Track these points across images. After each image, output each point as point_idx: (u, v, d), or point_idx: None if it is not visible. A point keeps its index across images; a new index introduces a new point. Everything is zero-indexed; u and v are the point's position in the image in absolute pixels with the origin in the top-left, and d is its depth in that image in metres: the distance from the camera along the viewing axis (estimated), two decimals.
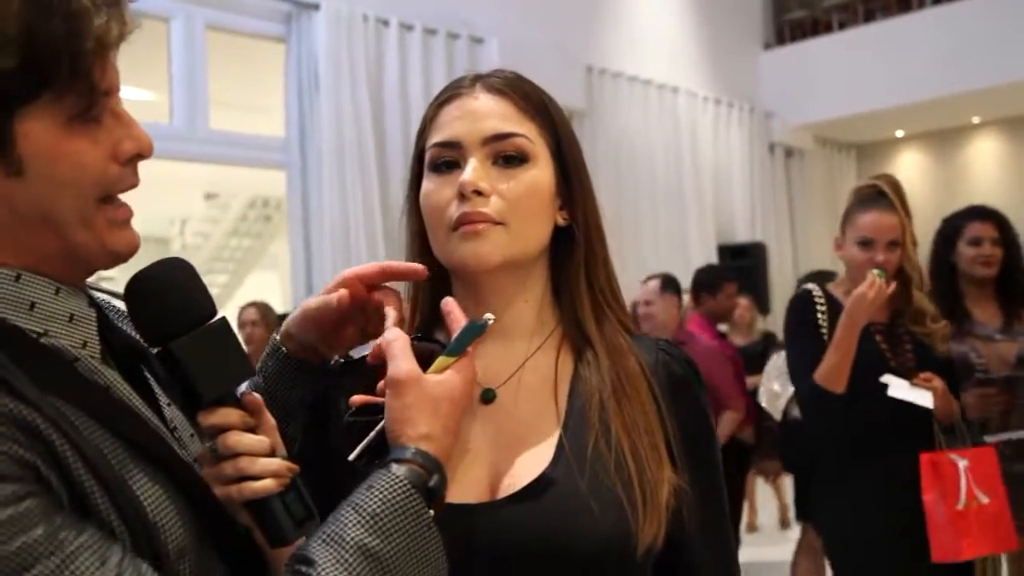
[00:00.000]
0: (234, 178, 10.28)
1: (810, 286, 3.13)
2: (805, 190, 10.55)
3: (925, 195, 10.82)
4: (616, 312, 1.24)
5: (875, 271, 2.81)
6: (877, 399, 2.83)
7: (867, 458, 2.94)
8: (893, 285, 2.82)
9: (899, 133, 11.29)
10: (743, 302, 7.01)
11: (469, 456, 1.14)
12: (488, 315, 1.07)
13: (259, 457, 0.96)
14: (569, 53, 7.58)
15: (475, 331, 1.06)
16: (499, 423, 1.17)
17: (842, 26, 10.37)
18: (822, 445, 3.15)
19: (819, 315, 2.98)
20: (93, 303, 0.97)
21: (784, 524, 7.06)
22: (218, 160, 6.55)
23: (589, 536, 1.07)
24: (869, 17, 10.23)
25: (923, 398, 2.85)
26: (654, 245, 8.31)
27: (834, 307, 2.95)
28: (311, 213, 6.14)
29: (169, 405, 1.03)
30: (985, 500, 2.86)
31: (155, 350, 0.97)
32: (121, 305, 1.03)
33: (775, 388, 4.86)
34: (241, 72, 7.10)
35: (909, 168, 11.21)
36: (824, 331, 2.94)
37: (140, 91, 6.64)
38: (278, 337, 1.22)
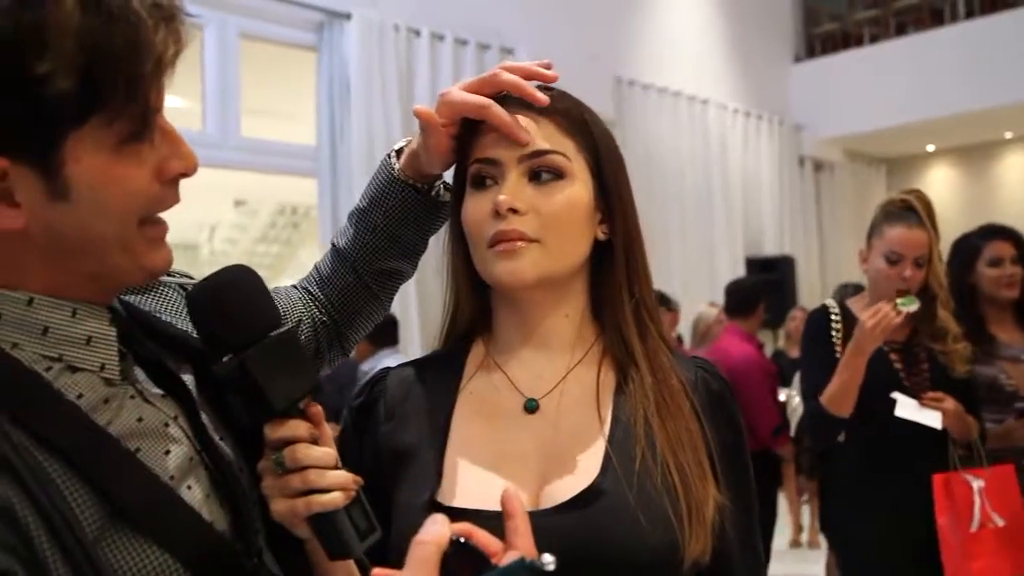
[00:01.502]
0: (262, 185, 10.34)
1: (829, 302, 3.09)
2: (834, 204, 10.49)
3: (956, 210, 10.71)
4: (657, 327, 1.25)
5: (900, 299, 2.77)
6: (891, 417, 2.80)
7: (881, 475, 2.90)
8: (904, 313, 2.76)
9: (930, 148, 11.20)
10: (799, 314, 6.98)
11: (514, 465, 1.16)
12: (549, 558, 0.77)
13: (327, 470, 0.94)
14: (599, 64, 7.59)
15: (525, 573, 0.78)
16: (543, 433, 1.18)
17: (873, 39, 10.31)
18: (835, 462, 3.13)
19: (833, 331, 2.93)
20: (115, 319, 0.92)
21: (812, 544, 7.01)
22: (250, 167, 6.58)
23: (638, 547, 1.07)
24: (900, 31, 10.17)
25: (931, 419, 2.80)
26: (682, 257, 8.29)
27: (851, 323, 2.89)
28: (341, 221, 6.13)
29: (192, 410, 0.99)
30: (1001, 523, 2.81)
31: (219, 359, 0.94)
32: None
33: (796, 402, 4.84)
34: (273, 80, 7.14)
35: (940, 183, 11.12)
36: (838, 348, 2.90)
37: (172, 98, 6.61)
38: (396, 171, 1.28)
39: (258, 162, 6.47)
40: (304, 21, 6.24)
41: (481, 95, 1.18)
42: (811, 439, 2.99)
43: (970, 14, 9.51)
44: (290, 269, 14.34)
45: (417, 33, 6.53)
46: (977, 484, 2.81)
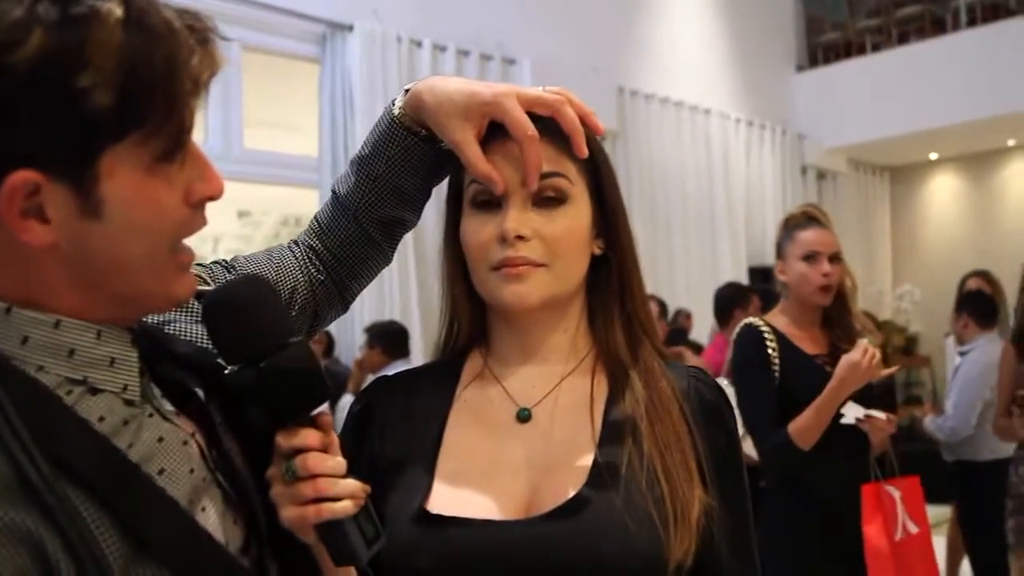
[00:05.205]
0: (266, 196, 10.34)
1: (754, 320, 3.02)
2: (838, 213, 10.43)
3: (959, 218, 10.72)
4: (650, 337, 1.25)
5: (864, 339, 2.76)
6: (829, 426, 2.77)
7: (804, 487, 2.87)
8: (880, 356, 2.74)
9: (933, 156, 11.20)
10: None
11: (506, 474, 1.16)
12: None
13: (338, 478, 0.94)
14: (602, 74, 7.60)
15: None
16: (534, 442, 1.18)
17: (875, 48, 10.33)
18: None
19: (770, 351, 2.86)
20: (136, 340, 0.92)
21: None
22: (252, 179, 6.59)
23: (624, 553, 1.08)
24: (903, 39, 10.19)
25: (880, 415, 2.84)
26: (685, 267, 8.30)
27: (782, 341, 2.88)
28: None
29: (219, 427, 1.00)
30: (915, 530, 2.89)
31: (228, 369, 0.95)
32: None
33: None
34: (276, 92, 7.16)
35: (943, 191, 11.13)
36: (776, 368, 2.84)
37: None
38: (396, 112, 1.22)
39: (261, 173, 6.49)
40: (306, 33, 6.26)
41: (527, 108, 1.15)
42: (778, 470, 2.93)
43: (972, 23, 9.54)
44: None
45: (419, 44, 6.55)
46: (896, 494, 2.88)
